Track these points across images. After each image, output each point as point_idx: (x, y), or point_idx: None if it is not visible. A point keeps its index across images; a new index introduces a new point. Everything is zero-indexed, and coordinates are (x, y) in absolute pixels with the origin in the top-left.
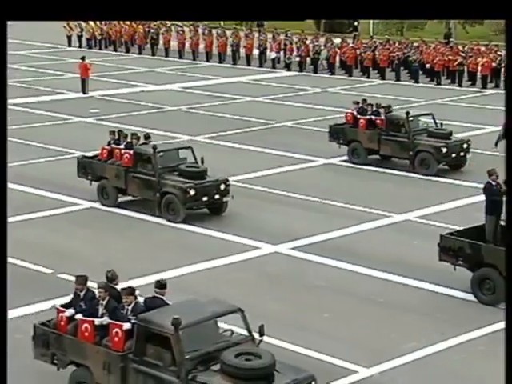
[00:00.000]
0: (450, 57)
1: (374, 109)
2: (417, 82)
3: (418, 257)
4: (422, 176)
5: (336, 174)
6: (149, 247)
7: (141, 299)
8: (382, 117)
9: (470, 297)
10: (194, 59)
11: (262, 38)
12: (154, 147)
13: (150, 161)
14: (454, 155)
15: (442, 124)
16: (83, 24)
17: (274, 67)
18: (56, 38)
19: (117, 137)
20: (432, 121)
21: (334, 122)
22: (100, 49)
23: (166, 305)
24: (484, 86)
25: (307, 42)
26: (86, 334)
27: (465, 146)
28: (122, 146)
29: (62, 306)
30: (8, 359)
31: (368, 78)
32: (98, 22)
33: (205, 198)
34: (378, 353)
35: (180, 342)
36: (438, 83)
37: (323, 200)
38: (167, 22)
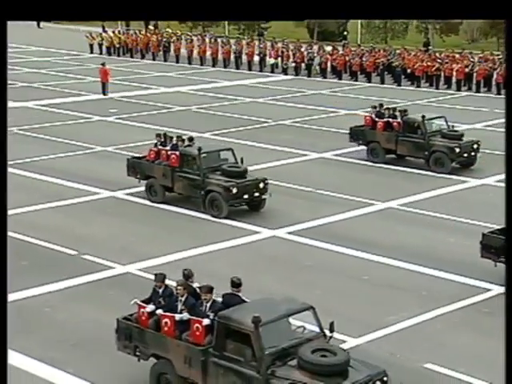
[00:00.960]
0: (429, 63)
1: (391, 112)
2: (399, 85)
3: (400, 240)
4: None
5: (328, 166)
6: (163, 232)
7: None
8: (399, 119)
9: (445, 274)
10: (202, 65)
11: (261, 45)
12: (199, 149)
13: (195, 161)
14: (465, 155)
15: (453, 126)
16: (103, 34)
17: (272, 72)
18: (79, 46)
19: (162, 139)
20: (444, 123)
21: (328, 119)
22: (118, 56)
23: (242, 302)
24: (458, 89)
25: (302, 49)
26: (167, 328)
27: (475, 146)
28: (168, 148)
29: (142, 301)
30: (33, 329)
31: (356, 81)
32: (116, 32)
33: (246, 196)
34: (365, 324)
35: (260, 338)
36: (418, 86)
37: (316, 190)
38: (178, 32)
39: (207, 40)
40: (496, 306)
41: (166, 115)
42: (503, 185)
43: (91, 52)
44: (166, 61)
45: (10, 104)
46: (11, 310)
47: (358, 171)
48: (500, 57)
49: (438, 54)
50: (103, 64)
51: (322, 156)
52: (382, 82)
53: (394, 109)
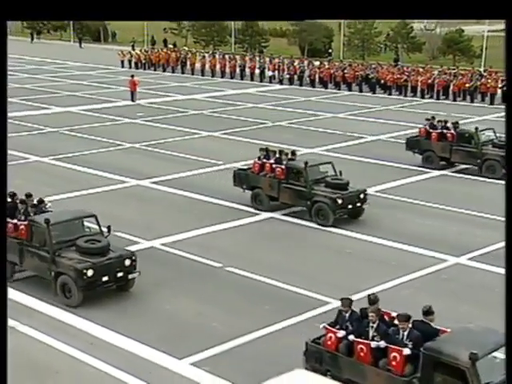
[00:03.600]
0: (398, 75)
1: (443, 124)
2: (374, 93)
3: (380, 221)
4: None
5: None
6: (179, 214)
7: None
8: (452, 131)
9: (412, 248)
10: (212, 76)
11: (261, 60)
12: (306, 163)
13: (301, 174)
14: None
15: (501, 136)
16: (132, 51)
17: (270, 82)
18: (112, 62)
19: (265, 153)
20: (493, 134)
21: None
22: (144, 69)
23: (435, 331)
24: (422, 97)
25: (295, 63)
26: (362, 354)
27: None
28: (272, 161)
29: (329, 325)
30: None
31: (339, 90)
32: (142, 50)
33: (349, 206)
34: (346, 289)
35: (478, 375)
36: (390, 94)
37: None
38: (193, 49)
39: (217, 56)
40: (452, 274)
41: (182, 118)
42: None
43: (122, 66)
44: (183, 73)
45: (56, 109)
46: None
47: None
48: (455, 70)
49: (405, 68)
50: (132, 76)
51: (310, 151)
52: (361, 91)
53: (446, 121)
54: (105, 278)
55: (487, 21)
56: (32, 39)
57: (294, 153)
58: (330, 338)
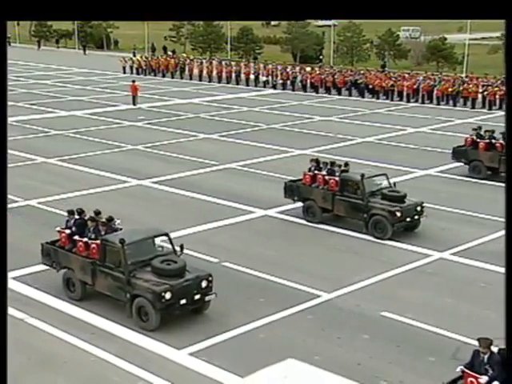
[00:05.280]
0: (385, 80)
1: (490, 134)
2: (363, 97)
3: None
4: None
5: (308, 160)
6: (178, 212)
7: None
8: (501, 141)
9: (399, 244)
10: (209, 82)
11: (256, 66)
12: (362, 175)
13: (357, 186)
14: None
15: None
16: (133, 58)
17: (264, 87)
18: (114, 68)
19: (316, 164)
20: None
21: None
22: (145, 75)
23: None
24: (408, 101)
25: (288, 69)
26: None
27: None
28: (324, 173)
29: (465, 367)
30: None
31: (329, 94)
32: (143, 57)
33: (408, 219)
34: (336, 282)
35: None
36: (377, 98)
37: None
38: (191, 56)
39: (214, 62)
40: (437, 268)
41: (181, 121)
42: None
43: (124, 72)
44: (181, 79)
45: (61, 113)
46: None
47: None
48: (438, 76)
49: (392, 74)
50: (133, 81)
51: (303, 153)
52: (350, 95)
53: (493, 131)
54: (182, 301)
55: (468, 29)
56: (39, 47)
57: (346, 164)
58: (471, 382)
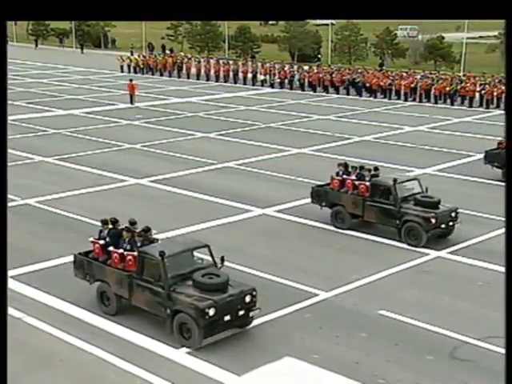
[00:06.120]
0: (383, 79)
1: None
2: (360, 96)
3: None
4: None
5: (306, 159)
6: (176, 211)
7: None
8: None
9: (395, 243)
10: (207, 80)
11: (254, 65)
12: (395, 180)
13: (389, 192)
14: None
15: None
16: (131, 57)
17: (262, 86)
18: (112, 67)
19: (343, 168)
20: None
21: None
22: (142, 74)
23: None
24: (406, 100)
25: (285, 68)
26: None
27: None
28: (353, 177)
29: None
30: (79, 286)
31: (327, 93)
32: (141, 56)
33: (443, 226)
34: (334, 281)
35: None
36: (375, 97)
37: (296, 177)
38: (189, 55)
39: (211, 61)
40: (433, 267)
41: (179, 120)
42: None
43: (121, 71)
44: (179, 77)
45: (59, 112)
46: (66, 269)
47: (330, 162)
48: (436, 75)
49: (390, 73)
50: (131, 80)
51: (300, 151)
52: (348, 94)
53: None
54: (227, 318)
55: (466, 28)
56: (36, 45)
57: (376, 168)
58: None
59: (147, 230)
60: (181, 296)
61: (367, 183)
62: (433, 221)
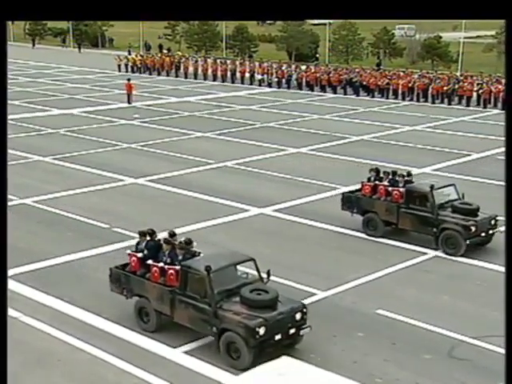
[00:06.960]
0: (380, 79)
1: None
2: (358, 95)
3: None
4: None
5: (304, 158)
6: (173, 210)
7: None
8: None
9: (393, 242)
10: (205, 80)
11: (251, 65)
12: (432, 186)
13: (425, 198)
14: None
15: None
16: (128, 56)
17: (260, 85)
18: (110, 66)
19: (375, 174)
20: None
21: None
22: (139, 73)
23: None
24: (403, 99)
25: (283, 68)
26: None
27: None
28: (386, 183)
29: None
30: (76, 286)
31: (324, 92)
32: (138, 55)
33: (482, 234)
34: (332, 280)
35: None
36: (373, 96)
37: (294, 177)
38: (186, 54)
39: (209, 61)
40: (432, 266)
41: (177, 119)
42: None
43: (119, 71)
44: (177, 77)
45: (57, 111)
46: (63, 268)
47: (328, 162)
48: (433, 74)
49: (387, 72)
50: (128, 79)
51: (298, 151)
52: (345, 94)
53: None
54: (277, 337)
55: (463, 28)
56: (33, 45)
57: (409, 174)
58: None
59: (189, 242)
60: (228, 313)
61: (401, 189)
62: (473, 229)
